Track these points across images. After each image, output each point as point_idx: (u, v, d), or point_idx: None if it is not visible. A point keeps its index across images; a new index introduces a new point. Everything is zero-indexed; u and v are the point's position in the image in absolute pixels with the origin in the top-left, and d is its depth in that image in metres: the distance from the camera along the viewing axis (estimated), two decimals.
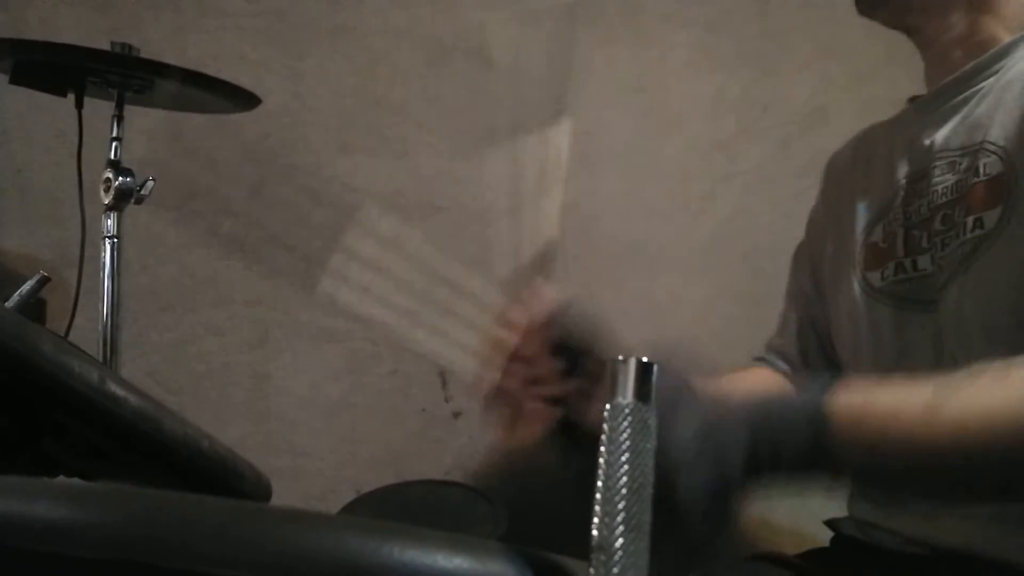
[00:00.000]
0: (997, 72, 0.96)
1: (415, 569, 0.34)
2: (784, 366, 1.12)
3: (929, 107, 1.02)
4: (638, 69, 2.23)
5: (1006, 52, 0.96)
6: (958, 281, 0.90)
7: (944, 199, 0.94)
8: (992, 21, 0.98)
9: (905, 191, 1.00)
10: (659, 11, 2.22)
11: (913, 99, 1.12)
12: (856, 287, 1.01)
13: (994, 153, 0.90)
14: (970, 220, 0.89)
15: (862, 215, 1.04)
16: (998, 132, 0.90)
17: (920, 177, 0.98)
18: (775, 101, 2.22)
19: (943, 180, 0.95)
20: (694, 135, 2.23)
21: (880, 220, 1.02)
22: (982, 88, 0.96)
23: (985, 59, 0.97)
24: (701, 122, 2.23)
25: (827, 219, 1.12)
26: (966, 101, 0.97)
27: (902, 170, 1.01)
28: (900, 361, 0.95)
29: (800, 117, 2.20)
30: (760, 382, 1.10)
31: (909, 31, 1.04)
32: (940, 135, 0.98)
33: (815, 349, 1.11)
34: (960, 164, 0.93)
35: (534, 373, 0.79)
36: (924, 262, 0.95)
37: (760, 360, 1.14)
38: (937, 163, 0.96)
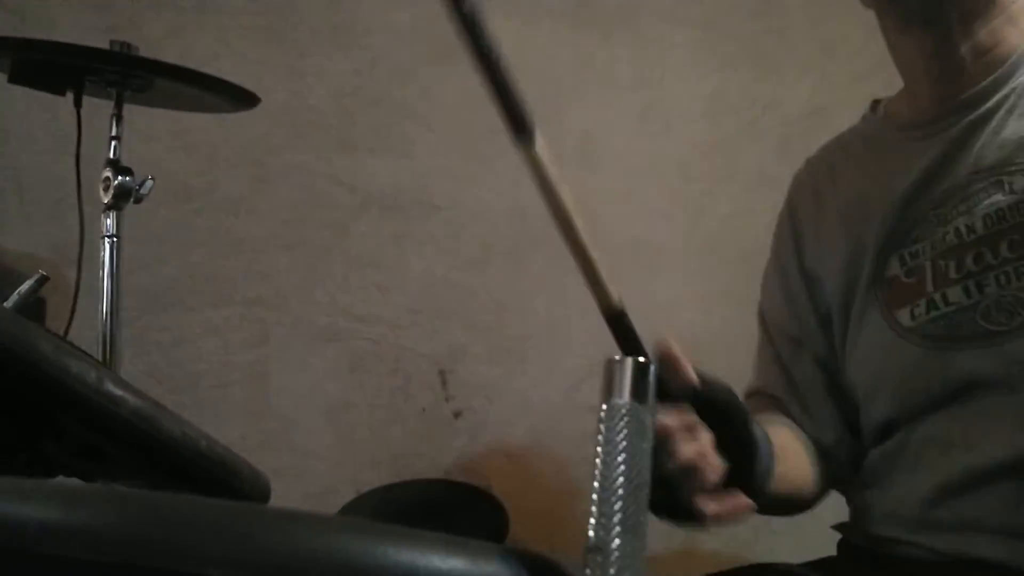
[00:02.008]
0: (1010, 85, 0.92)
1: (411, 570, 0.34)
2: (803, 418, 1.05)
3: (933, 128, 0.96)
4: (638, 69, 2.23)
5: (1018, 65, 0.92)
6: None
7: (1002, 224, 0.87)
8: (995, 40, 0.94)
9: (923, 218, 0.93)
10: (658, 11, 2.21)
11: (875, 105, 1.07)
12: (883, 327, 0.95)
13: None
14: None
15: (868, 245, 0.98)
16: None
17: (942, 202, 0.92)
18: (775, 101, 2.22)
19: (993, 202, 0.88)
20: (694, 135, 2.23)
21: (894, 251, 0.95)
22: (1004, 101, 0.92)
23: (1000, 74, 0.92)
24: (701, 122, 2.23)
25: (814, 247, 1.06)
26: (989, 116, 0.92)
27: (914, 194, 0.95)
28: (942, 398, 0.90)
29: (800, 117, 2.20)
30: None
31: (928, 27, 0.96)
32: (963, 155, 0.92)
33: (815, 382, 1.05)
34: (1012, 183, 0.87)
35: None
36: (955, 294, 0.89)
37: (770, 408, 1.07)
38: (973, 185, 0.90)
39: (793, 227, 1.09)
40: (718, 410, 0.74)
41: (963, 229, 0.90)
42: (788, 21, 2.25)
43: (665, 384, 0.70)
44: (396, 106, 2.18)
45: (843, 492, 1.10)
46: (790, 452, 1.02)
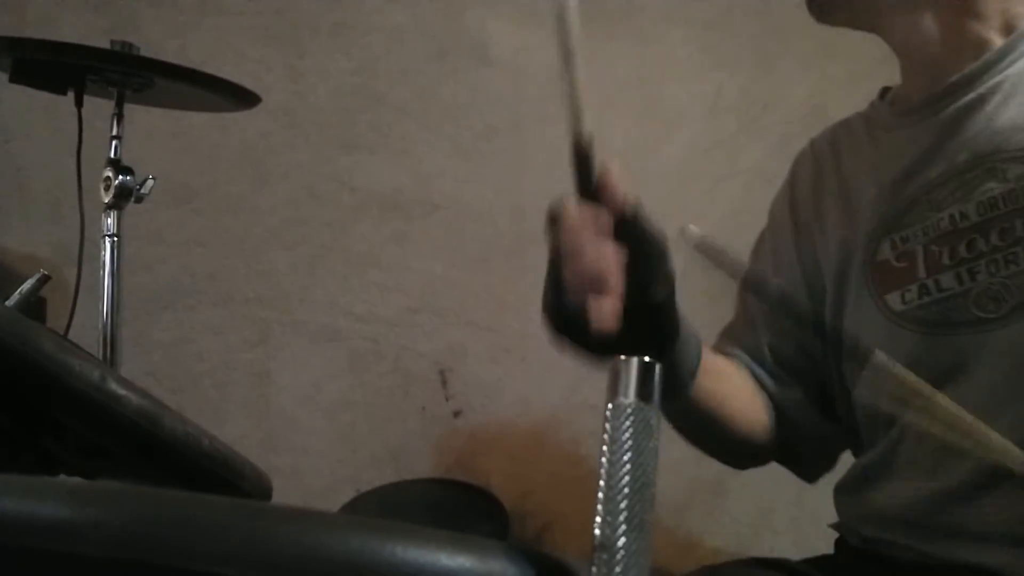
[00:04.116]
0: (1005, 71, 0.92)
1: (418, 567, 0.34)
2: (759, 371, 1.05)
3: (928, 111, 0.97)
4: (638, 68, 2.23)
5: (1008, 51, 0.93)
6: None
7: (994, 212, 0.88)
8: (976, 22, 0.95)
9: (916, 203, 0.94)
10: (659, 10, 2.21)
11: (884, 92, 1.08)
12: (873, 310, 0.95)
13: None
14: None
15: (861, 228, 0.99)
16: None
17: (936, 187, 0.93)
18: (775, 100, 2.22)
19: (986, 189, 0.89)
20: (694, 134, 2.23)
21: (886, 235, 0.96)
22: (997, 88, 0.92)
23: (990, 58, 0.93)
24: (701, 121, 2.23)
25: (805, 236, 1.07)
26: (980, 102, 0.93)
27: (907, 179, 0.96)
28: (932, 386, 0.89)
29: (800, 116, 2.20)
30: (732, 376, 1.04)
31: (877, 33, 1.00)
32: (957, 141, 0.93)
33: (796, 356, 1.05)
34: (1006, 171, 0.88)
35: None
36: (948, 280, 0.89)
37: (729, 354, 1.07)
38: (968, 172, 0.91)
39: (792, 203, 1.10)
40: (643, 244, 0.74)
41: (957, 216, 0.91)
42: (788, 20, 2.25)
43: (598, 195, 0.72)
44: (396, 106, 2.18)
45: (798, 472, 1.10)
46: (733, 381, 1.02)
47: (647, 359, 0.40)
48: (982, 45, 0.95)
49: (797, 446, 1.07)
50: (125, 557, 0.36)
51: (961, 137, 0.93)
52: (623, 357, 0.40)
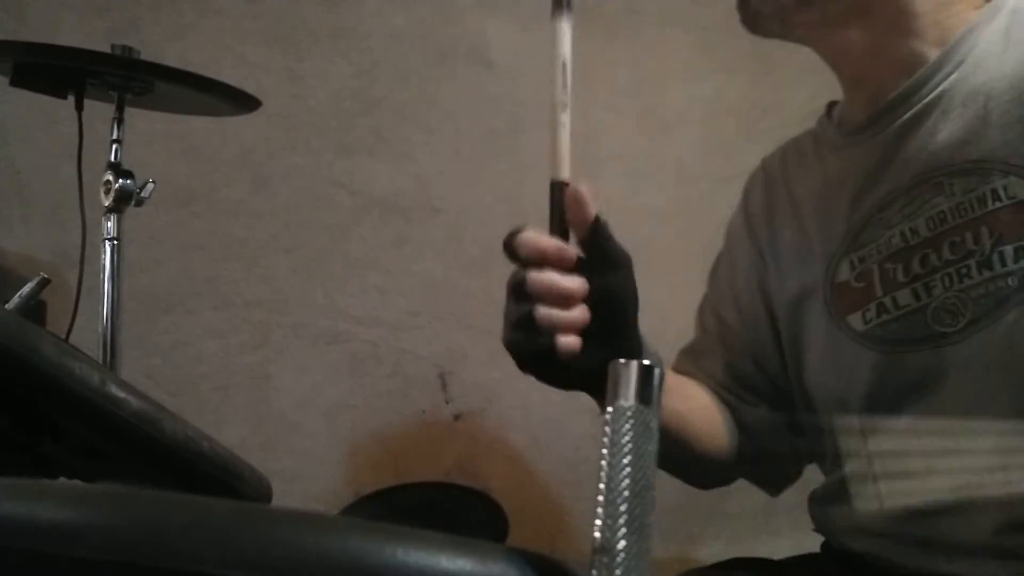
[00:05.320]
0: (941, 84, 0.92)
1: (419, 570, 0.34)
2: (721, 391, 1.06)
3: (870, 131, 0.97)
4: (637, 71, 2.23)
5: (942, 64, 0.92)
6: (997, 318, 0.84)
7: (943, 226, 0.88)
8: (907, 38, 0.94)
9: (868, 222, 0.94)
10: (658, 13, 2.22)
11: (831, 107, 1.08)
12: (835, 332, 0.95)
13: (1014, 174, 0.84)
14: (1010, 249, 0.83)
15: (817, 251, 0.99)
16: (1006, 150, 0.85)
17: (886, 205, 0.93)
18: (774, 103, 2.22)
19: (933, 204, 0.89)
20: (693, 137, 2.23)
21: (844, 256, 0.96)
22: (936, 103, 0.91)
23: (924, 73, 0.93)
24: (700, 124, 2.24)
25: (762, 256, 1.07)
26: (920, 118, 0.92)
27: (858, 199, 0.96)
28: (897, 403, 0.91)
29: (800, 119, 2.18)
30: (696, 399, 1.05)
31: (809, 47, 1.00)
32: (901, 158, 0.93)
33: (757, 378, 1.06)
34: (952, 185, 0.88)
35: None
36: (905, 297, 0.90)
37: (689, 373, 1.08)
38: (915, 188, 0.90)
39: (748, 227, 1.11)
40: (608, 261, 0.76)
41: (908, 232, 0.91)
42: None
43: (565, 215, 0.75)
44: (396, 109, 2.18)
45: (763, 487, 1.11)
46: (694, 400, 1.03)
47: (647, 362, 0.41)
48: (916, 59, 0.94)
49: (761, 462, 1.07)
50: (126, 560, 0.36)
51: (904, 155, 0.93)
52: (623, 361, 0.41)
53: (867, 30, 0.95)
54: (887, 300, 0.91)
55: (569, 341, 0.72)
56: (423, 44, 2.17)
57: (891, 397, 0.91)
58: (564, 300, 0.73)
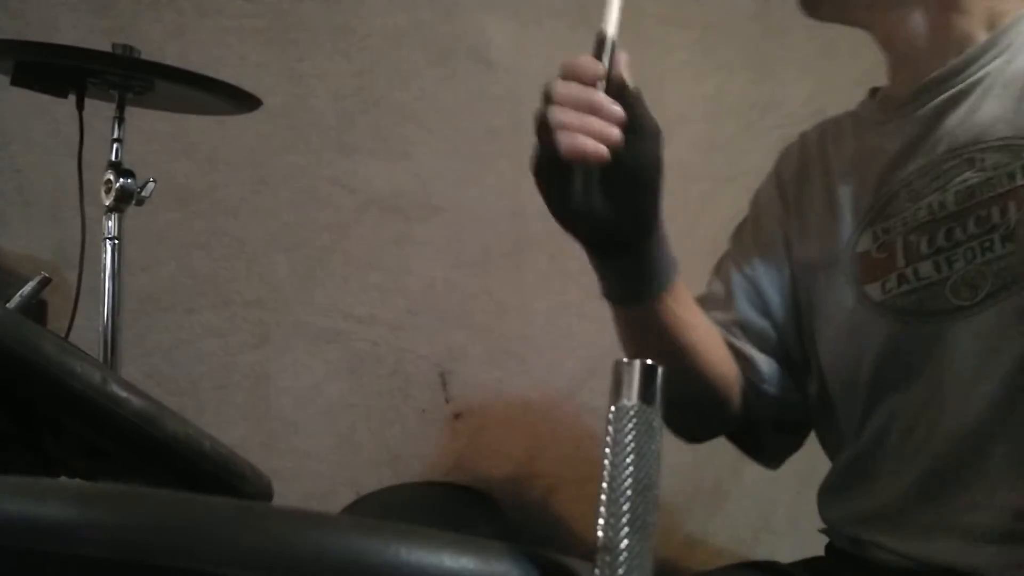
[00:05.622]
0: (987, 66, 0.94)
1: (422, 569, 0.34)
2: (733, 339, 1.06)
3: (910, 106, 0.98)
4: (637, 70, 2.23)
5: (989, 47, 0.94)
6: (1015, 291, 0.84)
7: (971, 200, 0.88)
8: (961, 18, 0.96)
9: (896, 195, 0.95)
10: (658, 12, 2.22)
11: (874, 92, 1.09)
12: (852, 300, 0.96)
13: None
14: None
15: (844, 222, 1.00)
16: None
17: (916, 178, 0.94)
18: (774, 102, 2.22)
19: (963, 179, 0.89)
20: (693, 136, 2.23)
21: (868, 227, 0.97)
22: (979, 83, 0.93)
23: (972, 53, 0.95)
24: (700, 123, 2.23)
25: (791, 220, 1.08)
26: (961, 97, 0.94)
27: (889, 172, 0.97)
28: (907, 376, 0.91)
29: (800, 118, 2.19)
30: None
31: (864, 28, 1.02)
32: (937, 134, 0.94)
33: (769, 334, 1.06)
34: (984, 161, 0.89)
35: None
36: (926, 269, 0.90)
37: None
38: (946, 163, 0.92)
39: (779, 187, 1.12)
40: (639, 119, 0.83)
41: (935, 205, 0.91)
42: (787, 22, 2.25)
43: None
44: (396, 108, 2.18)
45: (759, 456, 1.11)
46: (703, 322, 1.03)
47: (649, 361, 0.41)
48: (966, 40, 0.96)
49: (761, 427, 1.07)
50: (127, 559, 0.36)
51: (941, 130, 0.94)
52: (625, 360, 0.41)
53: (926, 11, 0.97)
54: (908, 271, 0.92)
55: (590, 144, 0.76)
56: (423, 43, 2.16)
57: (900, 366, 0.92)
58: (588, 107, 0.79)
